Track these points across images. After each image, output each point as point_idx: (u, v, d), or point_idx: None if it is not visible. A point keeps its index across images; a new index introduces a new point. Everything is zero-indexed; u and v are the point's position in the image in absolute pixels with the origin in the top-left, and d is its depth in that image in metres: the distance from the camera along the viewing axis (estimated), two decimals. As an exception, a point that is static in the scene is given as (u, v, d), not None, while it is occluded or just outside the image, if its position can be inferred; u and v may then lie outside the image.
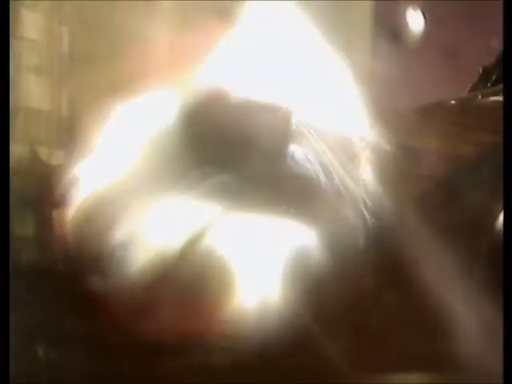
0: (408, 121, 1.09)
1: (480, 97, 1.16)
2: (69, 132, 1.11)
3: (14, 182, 0.90)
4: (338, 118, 1.06)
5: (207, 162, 0.96)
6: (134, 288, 0.91)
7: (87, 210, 0.96)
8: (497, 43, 1.15)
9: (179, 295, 0.92)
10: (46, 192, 1.00)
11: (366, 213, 0.99)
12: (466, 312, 0.93)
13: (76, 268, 0.94)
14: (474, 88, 1.21)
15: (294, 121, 1.01)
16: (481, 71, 1.20)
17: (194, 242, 0.93)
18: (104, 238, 0.92)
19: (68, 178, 0.99)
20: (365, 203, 0.99)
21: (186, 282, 0.92)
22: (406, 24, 1.18)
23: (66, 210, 0.97)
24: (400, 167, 1.03)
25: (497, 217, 0.97)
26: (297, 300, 0.92)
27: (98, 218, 0.95)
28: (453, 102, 1.14)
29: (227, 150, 0.96)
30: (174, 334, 0.91)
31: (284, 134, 1.00)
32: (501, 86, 1.12)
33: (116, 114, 1.00)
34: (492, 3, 1.12)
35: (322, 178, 0.98)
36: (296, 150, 0.99)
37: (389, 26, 1.18)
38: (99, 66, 1.10)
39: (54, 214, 0.99)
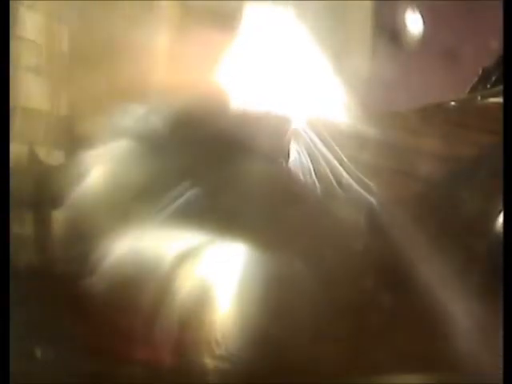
0: (407, 122, 1.09)
1: (479, 98, 1.16)
2: (68, 132, 1.11)
3: (13, 181, 0.90)
4: (337, 118, 1.07)
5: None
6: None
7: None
8: (496, 44, 1.15)
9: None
10: (45, 192, 1.00)
11: (361, 212, 0.99)
12: (464, 313, 0.93)
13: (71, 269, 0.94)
14: (473, 89, 1.21)
15: (292, 126, 1.01)
16: (480, 72, 1.20)
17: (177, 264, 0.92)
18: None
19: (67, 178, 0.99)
20: (361, 202, 1.00)
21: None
22: (405, 26, 1.18)
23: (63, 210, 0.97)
24: (399, 167, 1.02)
25: (495, 218, 0.97)
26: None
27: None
28: (452, 103, 1.14)
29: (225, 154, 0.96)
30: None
31: (282, 139, 1.00)
32: (500, 87, 1.12)
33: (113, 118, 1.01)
34: (491, 3, 1.12)
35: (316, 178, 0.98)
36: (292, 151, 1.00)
37: (388, 28, 1.18)
38: (98, 67, 1.10)
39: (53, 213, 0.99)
